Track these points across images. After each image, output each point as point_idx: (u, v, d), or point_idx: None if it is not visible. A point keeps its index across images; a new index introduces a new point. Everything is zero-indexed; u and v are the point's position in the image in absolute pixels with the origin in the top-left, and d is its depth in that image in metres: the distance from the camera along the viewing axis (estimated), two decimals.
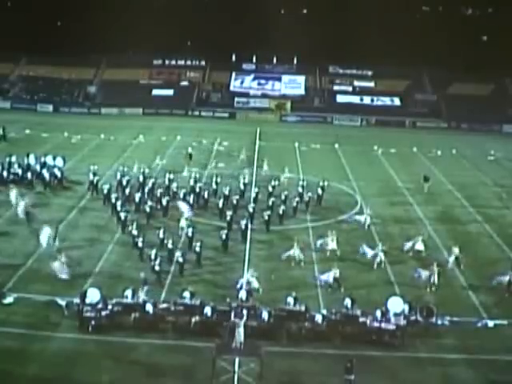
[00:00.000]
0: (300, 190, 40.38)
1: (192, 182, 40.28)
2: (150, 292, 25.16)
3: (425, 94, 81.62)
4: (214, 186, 40.35)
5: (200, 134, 61.11)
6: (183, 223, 33.49)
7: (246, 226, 33.46)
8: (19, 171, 42.39)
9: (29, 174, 42.05)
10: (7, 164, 43.07)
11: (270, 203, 37.34)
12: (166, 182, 40.46)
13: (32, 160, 44.32)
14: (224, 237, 31.95)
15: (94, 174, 41.27)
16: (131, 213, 35.60)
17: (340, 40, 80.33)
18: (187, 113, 76.77)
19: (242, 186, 40.56)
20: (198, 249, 29.96)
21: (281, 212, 36.23)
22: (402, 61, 76.52)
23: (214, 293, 26.92)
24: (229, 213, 34.84)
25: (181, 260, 28.98)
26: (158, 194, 38.17)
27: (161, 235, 31.39)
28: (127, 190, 39.00)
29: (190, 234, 31.81)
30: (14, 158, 43.80)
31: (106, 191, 38.53)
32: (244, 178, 41.79)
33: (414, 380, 21.97)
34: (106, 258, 30.50)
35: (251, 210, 35.95)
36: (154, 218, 35.72)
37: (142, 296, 24.68)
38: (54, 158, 44.59)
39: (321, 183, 41.07)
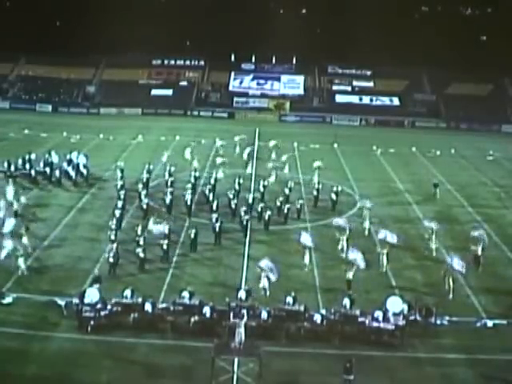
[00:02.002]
0: (315, 193, 40.33)
1: (212, 181, 41.03)
2: (100, 289, 24.93)
3: (424, 93, 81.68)
4: (237, 187, 40.02)
5: (199, 134, 61.12)
6: (151, 225, 32.64)
7: (220, 227, 33.28)
8: (47, 169, 42.72)
9: (57, 172, 42.47)
10: (28, 162, 43.29)
11: (259, 208, 36.65)
12: (192, 180, 41.25)
13: (55, 158, 44.60)
14: (192, 236, 31.99)
15: (122, 171, 41.86)
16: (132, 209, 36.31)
17: (339, 40, 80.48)
18: (186, 113, 76.85)
19: (261, 189, 40.25)
20: (165, 246, 30.42)
21: (267, 217, 35.48)
22: (401, 61, 76.60)
23: (212, 292, 26.91)
24: (214, 215, 34.57)
25: (142, 255, 29.32)
26: (168, 193, 38.39)
27: (139, 232, 31.70)
28: (140, 186, 39.32)
29: (166, 232, 31.71)
30: (33, 156, 44.11)
31: (118, 187, 39.21)
32: (265, 181, 41.75)
33: (413, 380, 21.98)
34: (106, 258, 30.43)
35: (243, 213, 35.35)
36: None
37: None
38: (77, 156, 44.97)
39: (334, 188, 40.58)
